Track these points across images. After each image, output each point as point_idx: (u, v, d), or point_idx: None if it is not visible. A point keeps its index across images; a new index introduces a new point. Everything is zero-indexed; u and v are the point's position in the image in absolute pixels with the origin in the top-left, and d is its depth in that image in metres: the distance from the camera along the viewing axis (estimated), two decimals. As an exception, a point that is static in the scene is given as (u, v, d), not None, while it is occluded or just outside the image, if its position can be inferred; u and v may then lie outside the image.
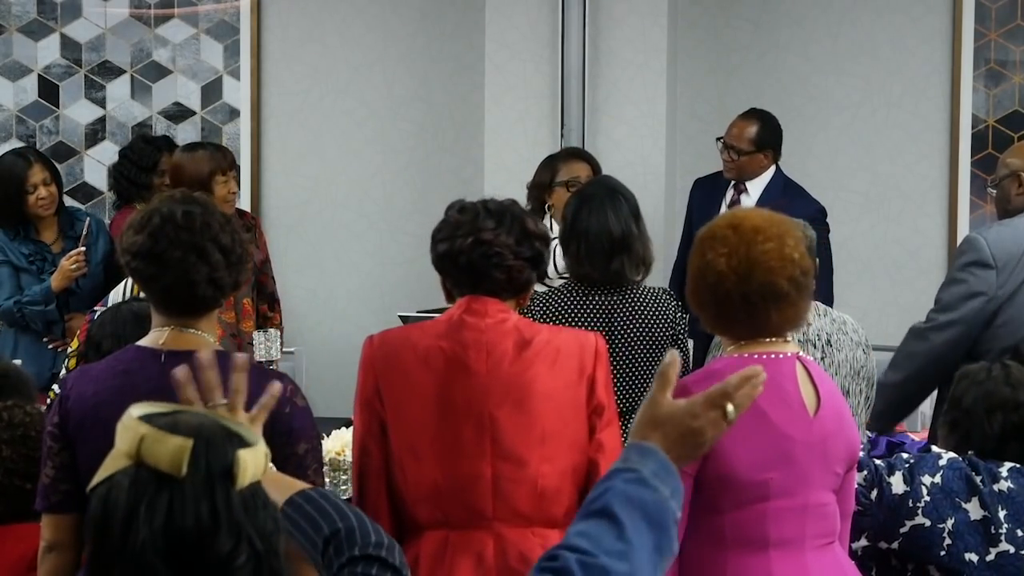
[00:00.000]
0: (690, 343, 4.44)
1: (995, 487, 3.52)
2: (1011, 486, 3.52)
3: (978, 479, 3.52)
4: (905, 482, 3.53)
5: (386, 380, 3.18)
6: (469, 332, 3.16)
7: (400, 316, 5.43)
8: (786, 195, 6.00)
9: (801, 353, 3.20)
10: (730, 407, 2.05)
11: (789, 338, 3.20)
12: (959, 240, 5.53)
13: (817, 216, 5.85)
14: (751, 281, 3.08)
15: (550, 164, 5.86)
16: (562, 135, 6.52)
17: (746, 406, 2.05)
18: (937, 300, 4.66)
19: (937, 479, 3.52)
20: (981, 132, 6.68)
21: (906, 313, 6.51)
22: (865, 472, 3.50)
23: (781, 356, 3.15)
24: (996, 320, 4.59)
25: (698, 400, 2.05)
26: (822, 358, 4.08)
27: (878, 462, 3.58)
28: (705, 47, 6.92)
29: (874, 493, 3.53)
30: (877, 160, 6.78)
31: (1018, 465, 3.57)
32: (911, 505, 3.51)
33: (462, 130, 7.03)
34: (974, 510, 3.50)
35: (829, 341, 4.11)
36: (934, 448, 3.62)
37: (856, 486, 3.41)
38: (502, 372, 3.16)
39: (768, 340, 3.15)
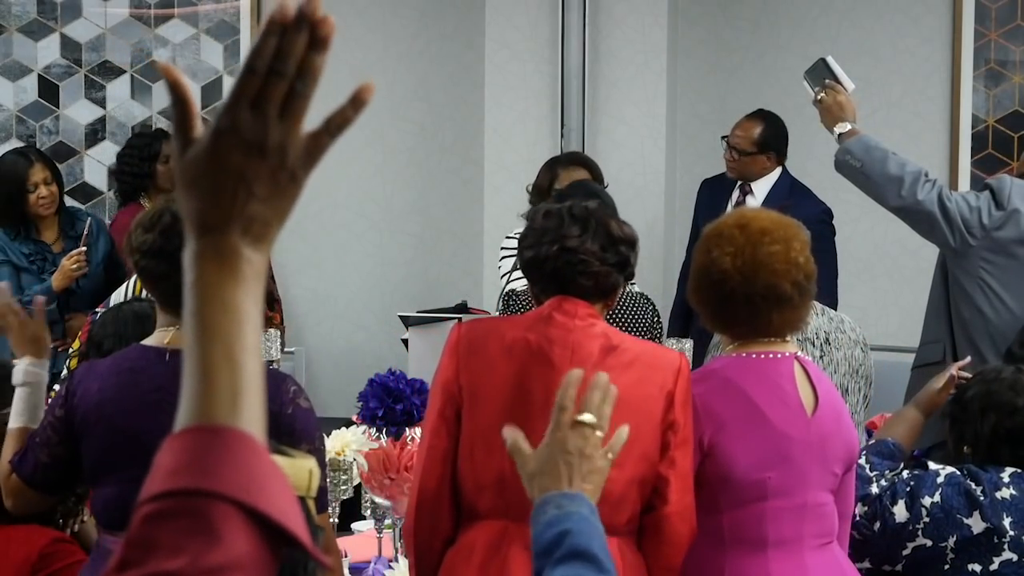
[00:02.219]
0: (689, 343, 4.45)
1: (997, 495, 3.48)
2: (1013, 493, 3.49)
3: (978, 490, 3.48)
4: (907, 508, 3.49)
5: (468, 366, 3.17)
6: (557, 329, 3.15)
7: (400, 316, 5.43)
8: (792, 196, 5.98)
9: (800, 353, 3.21)
10: (585, 416, 2.01)
11: (788, 338, 3.20)
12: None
13: (822, 217, 5.85)
14: (755, 282, 3.09)
15: (551, 168, 5.86)
16: (562, 135, 6.53)
17: (604, 410, 2.03)
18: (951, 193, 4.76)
19: (936, 498, 3.48)
20: (981, 132, 6.69)
21: (906, 313, 6.52)
22: (867, 508, 3.48)
23: (780, 356, 3.15)
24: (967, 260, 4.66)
25: (550, 429, 2.02)
26: (820, 356, 4.08)
27: (874, 490, 3.53)
28: (705, 47, 6.93)
29: (877, 524, 3.51)
30: (877, 160, 6.78)
31: (1019, 470, 3.54)
32: (912, 528, 3.48)
33: (462, 130, 7.03)
34: (976, 524, 3.46)
35: (828, 339, 4.12)
36: (931, 465, 3.58)
37: (857, 519, 3.39)
38: (586, 372, 3.14)
39: (767, 339, 3.16)
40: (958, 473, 3.53)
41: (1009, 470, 3.54)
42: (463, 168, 7.01)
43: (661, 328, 4.43)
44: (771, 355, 3.15)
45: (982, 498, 3.48)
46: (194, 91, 7.54)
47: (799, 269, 3.12)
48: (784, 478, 3.10)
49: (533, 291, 3.32)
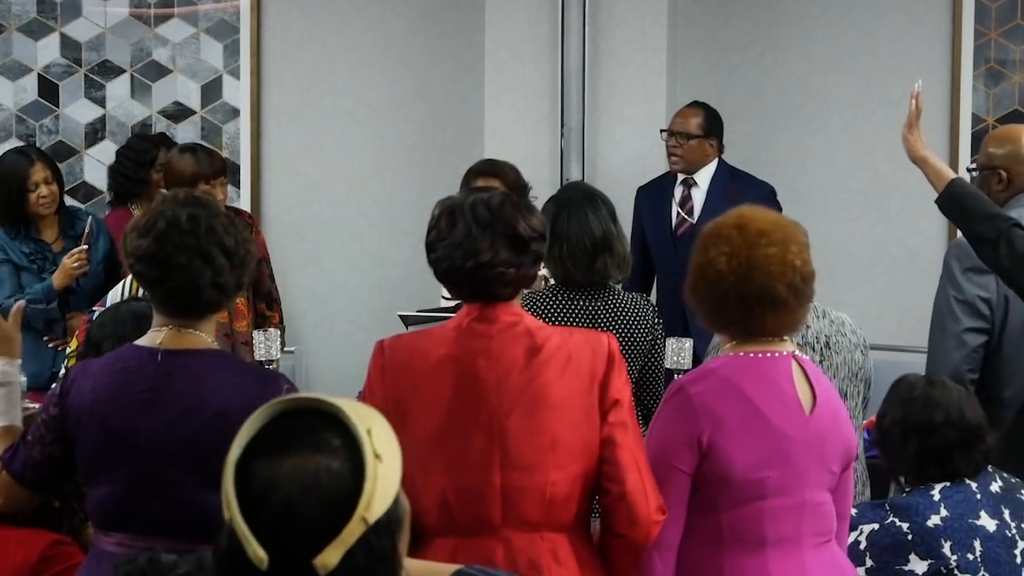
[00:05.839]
0: (689, 342, 4.45)
1: (929, 524, 3.44)
2: (946, 514, 3.46)
3: (904, 527, 3.45)
4: None
5: (396, 390, 3.14)
6: (479, 340, 3.13)
7: (400, 316, 5.42)
8: (735, 181, 6.05)
9: (797, 352, 3.21)
10: None
11: (786, 337, 3.20)
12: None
13: (768, 197, 5.90)
14: (749, 284, 3.09)
15: (465, 179, 5.74)
16: (562, 135, 6.53)
17: None
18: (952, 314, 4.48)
19: (869, 563, 3.44)
20: (981, 132, 6.67)
21: (906, 313, 6.52)
22: None
23: (777, 355, 3.15)
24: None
25: None
26: (820, 361, 4.08)
27: None
28: (705, 46, 6.93)
29: None
30: (877, 160, 6.78)
31: (948, 483, 3.50)
32: None
33: (462, 130, 7.03)
34: (917, 565, 3.43)
35: (828, 344, 4.12)
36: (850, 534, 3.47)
37: None
38: (512, 380, 3.12)
39: (765, 339, 3.16)
40: (877, 527, 3.47)
41: (938, 487, 3.50)
42: (463, 168, 6.98)
43: (662, 329, 4.42)
44: (769, 354, 3.15)
45: (910, 537, 3.43)
46: (193, 91, 7.49)
47: (795, 272, 3.11)
48: (783, 477, 3.09)
49: (452, 293, 3.30)
